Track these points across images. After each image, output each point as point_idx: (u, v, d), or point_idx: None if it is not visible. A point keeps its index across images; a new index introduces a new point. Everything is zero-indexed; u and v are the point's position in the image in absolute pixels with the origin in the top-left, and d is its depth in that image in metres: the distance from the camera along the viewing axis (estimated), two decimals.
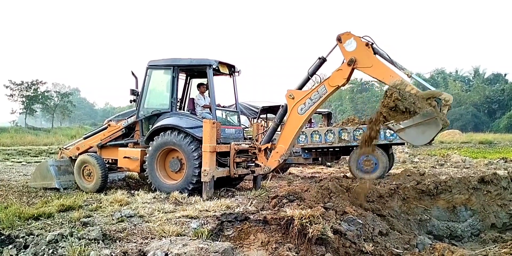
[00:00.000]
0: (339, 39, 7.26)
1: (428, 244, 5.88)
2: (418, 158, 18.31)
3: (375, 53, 7.26)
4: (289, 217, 5.00)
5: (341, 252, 4.99)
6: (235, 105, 9.63)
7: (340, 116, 62.65)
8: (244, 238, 5.03)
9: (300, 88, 7.94)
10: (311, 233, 4.74)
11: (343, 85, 7.59)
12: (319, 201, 6.13)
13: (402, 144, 11.47)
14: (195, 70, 9.17)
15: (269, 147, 8.16)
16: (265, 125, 13.37)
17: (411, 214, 7.32)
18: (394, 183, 8.01)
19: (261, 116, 14.06)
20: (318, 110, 17.16)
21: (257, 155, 8.20)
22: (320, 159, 12.64)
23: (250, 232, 5.09)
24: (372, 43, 7.25)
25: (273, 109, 14.04)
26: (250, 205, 6.45)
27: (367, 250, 5.10)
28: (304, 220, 4.88)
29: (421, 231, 6.99)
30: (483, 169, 13.43)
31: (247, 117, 13.56)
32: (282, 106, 8.45)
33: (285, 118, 8.41)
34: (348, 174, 11.33)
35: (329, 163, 14.49)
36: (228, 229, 5.16)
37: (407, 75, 7.09)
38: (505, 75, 68.91)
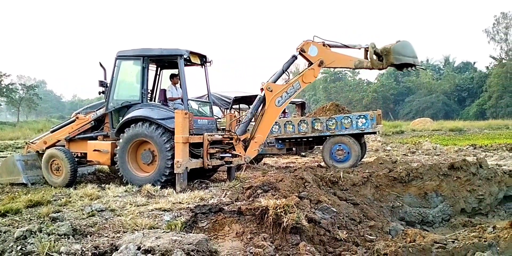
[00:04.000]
0: (302, 50, 8.79)
1: (401, 230, 6.04)
2: (391, 147, 18.68)
3: (330, 47, 8.96)
4: (264, 207, 5.05)
5: (316, 240, 5.08)
6: (207, 95, 9.57)
7: (314, 106, 63.19)
8: (218, 230, 5.06)
9: (275, 81, 8.77)
10: (286, 222, 4.81)
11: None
12: (294, 191, 6.20)
13: (374, 133, 11.68)
14: (166, 61, 9.06)
15: (248, 137, 8.38)
16: (238, 116, 13.38)
17: (384, 201, 7.51)
18: (367, 171, 8.18)
19: (233, 106, 14.02)
20: (292, 100, 17.32)
21: (235, 145, 8.26)
22: (294, 149, 12.73)
23: (224, 223, 5.12)
24: (324, 41, 8.92)
25: (245, 99, 14.02)
26: (224, 197, 6.45)
27: (341, 237, 5.21)
28: (278, 210, 4.93)
29: (393, 217, 7.19)
30: (453, 156, 13.84)
31: (220, 108, 13.50)
32: (259, 98, 8.80)
33: (259, 109, 8.67)
34: (322, 164, 11.48)
35: (303, 153, 14.62)
36: (202, 221, 5.17)
37: (358, 48, 9.16)
38: (474, 63, 70.89)
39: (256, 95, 14.09)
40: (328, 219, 5.53)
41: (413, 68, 9.03)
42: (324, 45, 8.89)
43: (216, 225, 5.11)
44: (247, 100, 14.05)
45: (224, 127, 8.96)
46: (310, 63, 8.95)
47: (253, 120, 9.24)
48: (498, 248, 5.02)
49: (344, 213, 6.05)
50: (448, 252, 4.91)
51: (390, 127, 30.46)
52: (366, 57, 8.94)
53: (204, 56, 8.90)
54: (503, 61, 58.73)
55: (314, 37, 8.86)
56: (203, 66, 9.03)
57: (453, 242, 5.16)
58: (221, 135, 8.41)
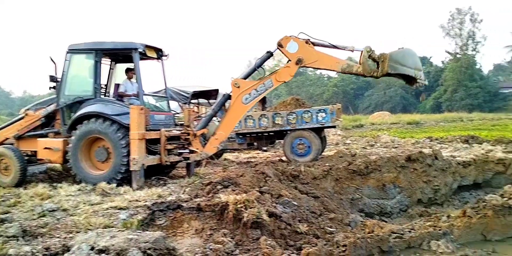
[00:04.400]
0: (280, 45, 8.09)
1: (360, 221, 6.20)
2: (350, 140, 19.09)
3: (315, 45, 8.13)
4: (224, 203, 5.04)
5: (277, 234, 5.12)
6: (164, 90, 9.45)
7: (275, 100, 63.60)
8: (177, 227, 5.02)
9: (245, 78, 8.41)
10: (246, 217, 4.82)
11: (289, 81, 8.58)
12: (255, 186, 6.22)
13: (334, 127, 11.92)
14: (120, 54, 8.92)
15: (205, 133, 8.28)
16: (198, 111, 13.26)
17: (344, 194, 7.67)
18: (327, 164, 8.31)
19: (192, 101, 13.89)
20: None
21: (192, 141, 8.19)
22: (255, 144, 12.79)
23: (183, 220, 5.09)
24: (309, 39, 8.08)
25: (205, 94, 13.91)
26: (183, 193, 6.41)
27: (302, 230, 5.28)
28: (239, 205, 4.94)
29: (353, 209, 7.35)
30: (410, 148, 14.30)
31: (178, 103, 13.34)
32: (225, 94, 8.66)
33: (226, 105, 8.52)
34: (284, 158, 11.59)
35: (264, 148, 14.70)
36: (160, 219, 5.11)
37: (351, 50, 8.20)
38: (430, 58, 73.32)
39: (216, 90, 14.09)
40: (289, 212, 5.59)
41: (416, 83, 8.09)
42: (307, 42, 8.10)
43: (175, 222, 5.07)
44: (207, 94, 13.96)
45: (183, 122, 8.86)
46: (289, 60, 8.27)
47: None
48: (452, 236, 5.26)
49: (305, 206, 6.14)
50: (405, 242, 5.09)
51: (350, 121, 31.06)
52: (360, 62, 7.94)
53: (160, 50, 8.80)
54: (458, 55, 61.14)
55: (299, 34, 8.14)
56: (160, 60, 8.92)
57: (409, 231, 5.35)
58: (179, 130, 8.33)
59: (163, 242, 3.75)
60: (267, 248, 4.49)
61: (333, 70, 8.44)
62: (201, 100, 14.81)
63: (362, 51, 7.90)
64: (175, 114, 9.55)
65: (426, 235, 5.24)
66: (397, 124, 29.58)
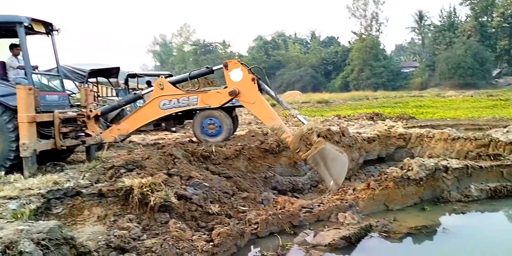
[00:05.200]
0: (225, 66, 7.42)
1: (272, 199, 6.40)
2: None
3: (260, 90, 7.43)
4: (128, 187, 4.92)
5: (187, 216, 5.12)
6: (56, 68, 8.84)
7: None
8: (77, 215, 4.83)
9: (174, 83, 7.94)
10: (153, 201, 4.76)
11: (214, 106, 8.05)
12: (162, 168, 6.13)
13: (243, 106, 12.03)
14: (3, 28, 8.13)
15: (98, 114, 7.89)
16: (97, 90, 12.62)
17: (257, 173, 7.83)
18: (239, 144, 8.39)
19: (90, 80, 13.17)
20: (158, 72, 16.65)
21: (87, 123, 7.79)
22: (163, 124, 12.51)
23: (83, 208, 4.90)
24: (259, 78, 7.44)
25: (104, 72, 13.26)
26: (82, 179, 6.09)
27: (213, 211, 5.33)
28: (144, 189, 4.85)
29: (266, 187, 7.54)
30: (320, 126, 14.91)
31: (74, 82, 12.57)
32: (135, 93, 8.39)
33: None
34: (194, 139, 11.48)
35: (173, 128, 14.47)
36: (57, 207, 4.85)
37: (293, 116, 7.51)
38: (338, 38, 77.15)
39: (117, 67, 13.48)
40: (200, 194, 5.59)
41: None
42: (254, 80, 7.33)
43: (74, 210, 4.84)
44: (106, 73, 13.32)
45: (80, 103, 8.38)
46: (225, 87, 7.58)
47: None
48: (357, 208, 5.65)
49: (217, 187, 6.17)
50: (315, 215, 5.37)
51: None
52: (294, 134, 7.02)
53: (50, 24, 8.18)
54: (363, 36, 64.78)
55: (252, 67, 7.62)
56: (50, 35, 8.30)
57: (318, 205, 5.66)
58: (75, 112, 7.88)
59: (59, 231, 3.53)
60: (177, 231, 4.47)
61: (262, 122, 7.73)
62: (100, 79, 14.13)
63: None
64: (71, 94, 8.99)
65: (334, 208, 5.58)
66: (308, 103, 30.80)
